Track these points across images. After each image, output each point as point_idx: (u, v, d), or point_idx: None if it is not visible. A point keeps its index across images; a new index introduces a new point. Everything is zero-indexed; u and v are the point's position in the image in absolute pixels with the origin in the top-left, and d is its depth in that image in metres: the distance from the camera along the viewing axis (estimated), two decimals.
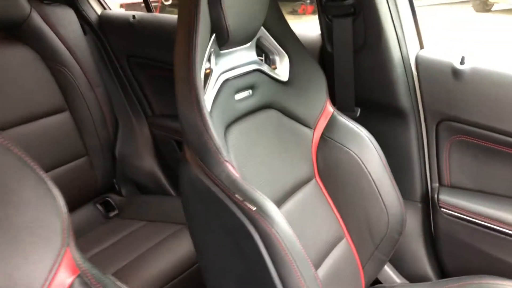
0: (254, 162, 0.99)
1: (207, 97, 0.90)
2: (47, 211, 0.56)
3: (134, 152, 1.73)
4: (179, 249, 1.32)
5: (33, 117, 1.46)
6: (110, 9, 1.75)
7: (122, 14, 1.67)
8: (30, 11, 1.46)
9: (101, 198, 1.67)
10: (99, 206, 1.65)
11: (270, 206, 0.79)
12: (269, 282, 0.77)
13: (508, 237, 1.16)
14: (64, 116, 1.55)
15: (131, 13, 1.65)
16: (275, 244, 0.77)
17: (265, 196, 0.80)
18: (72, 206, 1.59)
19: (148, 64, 1.67)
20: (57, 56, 1.52)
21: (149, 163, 1.74)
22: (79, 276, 0.56)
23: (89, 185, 1.62)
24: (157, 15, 1.66)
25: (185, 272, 1.27)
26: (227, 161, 0.81)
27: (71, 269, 0.56)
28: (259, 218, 0.77)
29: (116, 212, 1.66)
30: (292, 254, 0.77)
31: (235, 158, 0.93)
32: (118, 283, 0.58)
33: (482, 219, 1.20)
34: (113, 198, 1.68)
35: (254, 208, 0.78)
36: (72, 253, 0.57)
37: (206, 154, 0.81)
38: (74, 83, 1.55)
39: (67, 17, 1.57)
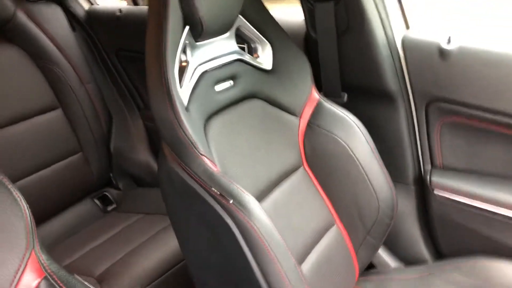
0: (237, 153, 0.98)
1: (184, 90, 0.89)
2: (9, 215, 0.56)
3: (129, 146, 1.74)
4: (174, 241, 1.33)
5: (25, 116, 1.47)
6: (98, 4, 1.74)
7: (109, 8, 1.67)
8: (15, 10, 1.45)
9: (99, 192, 1.69)
10: (96, 201, 1.66)
11: (247, 198, 0.78)
12: (249, 274, 0.78)
13: (500, 217, 1.15)
14: (57, 114, 1.56)
15: (117, 7, 1.64)
16: (253, 236, 0.77)
17: (243, 189, 0.80)
18: (70, 202, 1.61)
19: (137, 57, 1.67)
20: (46, 54, 1.52)
21: (144, 156, 1.74)
22: (45, 278, 0.56)
23: (86, 180, 1.63)
24: (143, 8, 1.65)
25: (179, 264, 1.28)
26: (203, 155, 0.81)
27: (37, 272, 0.56)
28: (236, 211, 0.77)
29: (114, 206, 1.67)
30: (271, 245, 0.77)
31: (216, 151, 0.92)
32: (86, 283, 0.59)
33: (475, 200, 1.18)
34: (110, 192, 1.70)
35: (231, 201, 0.77)
36: (38, 255, 0.57)
37: (181, 149, 0.81)
38: (65, 80, 1.56)
39: (54, 14, 1.57)
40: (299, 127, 1.14)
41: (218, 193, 0.78)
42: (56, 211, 1.55)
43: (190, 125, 0.82)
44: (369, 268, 1.27)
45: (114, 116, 1.74)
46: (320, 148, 1.13)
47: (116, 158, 1.72)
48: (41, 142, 1.50)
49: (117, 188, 1.73)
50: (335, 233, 1.12)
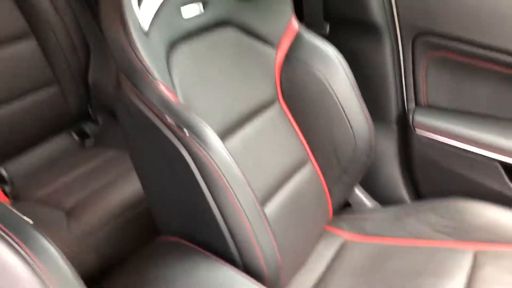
0: (205, 84, 0.93)
1: (144, 13, 0.82)
2: None
3: (107, 79, 1.66)
4: None
5: None
6: None
7: None
8: None
9: (77, 126, 1.64)
10: (74, 135, 1.62)
11: (205, 130, 0.74)
12: (207, 208, 0.74)
13: (482, 158, 1.11)
14: (29, 43, 1.48)
15: None
16: (210, 170, 0.73)
17: (201, 120, 0.75)
18: (46, 135, 1.56)
19: None
20: None
21: None
22: None
23: (62, 113, 1.58)
24: None
25: None
26: (159, 82, 0.75)
27: None
28: (192, 143, 0.73)
29: (92, 140, 1.63)
30: (228, 180, 0.73)
31: (180, 81, 0.86)
32: (18, 213, 0.55)
33: (458, 140, 1.14)
34: (89, 126, 1.65)
35: (187, 132, 0.73)
36: None
37: (135, 75, 0.75)
38: (37, 8, 1.47)
39: None
40: (276, 58, 1.07)
41: (174, 123, 0.73)
42: (31, 144, 1.51)
43: (146, 51, 0.76)
44: (345, 207, 1.25)
45: (92, 48, 1.66)
46: (297, 82, 1.08)
47: (94, 92, 1.66)
48: (13, 71, 1.43)
49: (96, 122, 1.68)
50: (309, 171, 1.09)
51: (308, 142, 1.10)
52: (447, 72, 1.15)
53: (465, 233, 1.04)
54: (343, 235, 1.15)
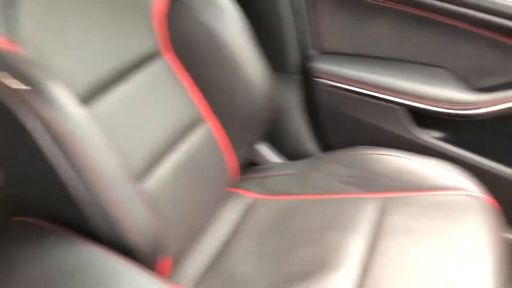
0: (68, 36, 0.79)
1: None
2: None
3: None
4: None
5: None
6: None
7: None
8: None
9: None
10: None
11: (49, 84, 0.61)
12: (61, 180, 0.62)
13: (388, 104, 1.08)
14: None
15: None
16: (56, 129, 0.60)
17: (43, 73, 0.62)
18: None
19: None
20: None
21: None
22: None
23: None
24: None
25: None
26: None
27: None
28: (34, 102, 0.60)
29: None
30: (84, 145, 0.62)
31: (33, 32, 0.72)
32: None
33: (362, 87, 1.10)
34: None
35: (27, 89, 0.60)
36: None
37: None
38: None
39: None
40: (157, 5, 0.95)
41: (12, 78, 0.60)
42: None
43: None
44: (253, 166, 1.18)
45: None
46: (186, 32, 0.96)
47: None
48: None
49: None
50: (205, 131, 0.99)
51: (207, 99, 1.00)
52: (349, 14, 1.08)
53: (372, 182, 1.00)
54: (249, 195, 1.07)
